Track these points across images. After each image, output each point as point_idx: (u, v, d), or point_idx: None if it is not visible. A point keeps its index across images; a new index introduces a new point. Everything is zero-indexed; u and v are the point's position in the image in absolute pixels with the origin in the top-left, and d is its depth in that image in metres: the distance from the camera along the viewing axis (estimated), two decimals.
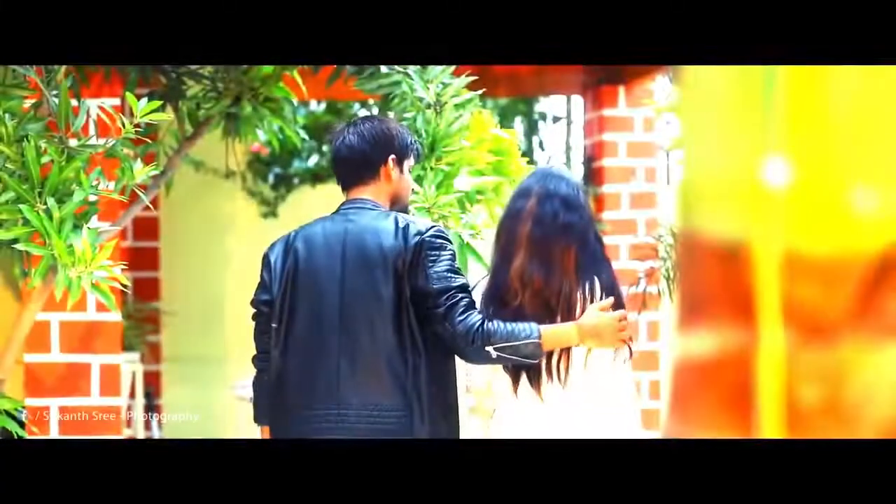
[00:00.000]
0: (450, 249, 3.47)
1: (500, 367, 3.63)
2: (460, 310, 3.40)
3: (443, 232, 3.51)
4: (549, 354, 3.53)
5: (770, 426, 0.83)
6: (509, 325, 3.39)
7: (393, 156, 3.58)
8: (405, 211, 3.68)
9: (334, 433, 3.44)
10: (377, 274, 3.47)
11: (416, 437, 3.41)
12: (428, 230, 3.47)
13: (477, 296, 3.61)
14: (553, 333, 3.44)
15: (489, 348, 3.38)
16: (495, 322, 3.39)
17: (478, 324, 3.38)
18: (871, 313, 0.80)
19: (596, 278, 3.54)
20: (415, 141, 3.68)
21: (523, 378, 3.60)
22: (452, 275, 3.44)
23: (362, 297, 3.48)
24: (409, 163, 3.63)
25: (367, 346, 3.46)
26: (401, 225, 3.49)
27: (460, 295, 3.41)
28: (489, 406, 3.77)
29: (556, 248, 3.56)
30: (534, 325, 3.40)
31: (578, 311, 3.52)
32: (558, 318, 3.53)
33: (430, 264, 3.43)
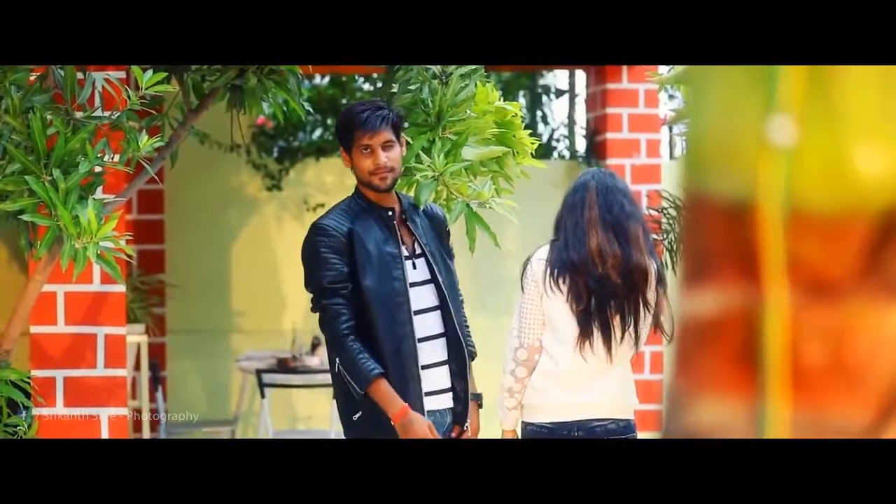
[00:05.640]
0: (327, 245, 3.70)
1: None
2: (328, 317, 3.70)
3: (322, 229, 3.73)
4: (617, 314, 3.85)
5: (775, 385, 0.84)
6: (359, 356, 3.65)
7: (341, 147, 3.88)
8: (377, 188, 3.82)
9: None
10: None
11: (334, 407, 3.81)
12: (311, 228, 3.80)
13: (540, 257, 3.93)
14: (383, 393, 3.65)
15: (338, 360, 3.69)
16: (352, 344, 3.65)
17: (341, 335, 3.66)
18: (877, 271, 0.81)
19: (656, 274, 3.89)
20: (348, 119, 3.83)
21: (596, 337, 3.87)
22: (322, 273, 3.70)
23: None
24: (355, 147, 3.80)
25: None
26: None
27: (325, 301, 3.69)
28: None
29: (627, 230, 3.85)
30: (373, 373, 3.64)
31: (649, 286, 3.86)
32: (634, 286, 3.84)
33: (311, 261, 3.76)
